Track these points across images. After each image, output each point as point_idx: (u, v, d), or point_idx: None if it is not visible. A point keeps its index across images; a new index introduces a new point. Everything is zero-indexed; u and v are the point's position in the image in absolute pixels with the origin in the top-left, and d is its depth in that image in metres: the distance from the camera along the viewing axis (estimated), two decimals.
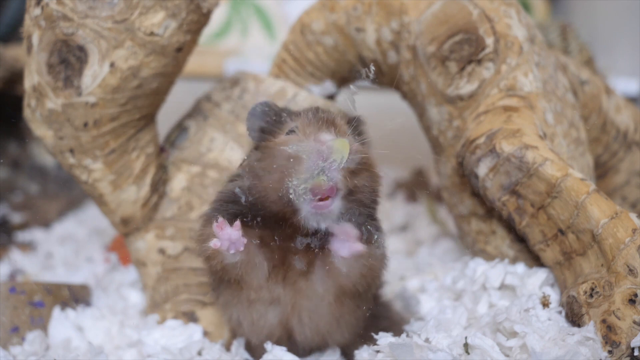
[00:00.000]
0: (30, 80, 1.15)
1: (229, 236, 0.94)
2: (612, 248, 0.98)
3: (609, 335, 0.94)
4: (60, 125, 1.13)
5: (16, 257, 1.58)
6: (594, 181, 1.27)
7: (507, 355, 0.97)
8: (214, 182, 1.21)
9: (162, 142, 1.26)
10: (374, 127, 1.10)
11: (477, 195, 1.17)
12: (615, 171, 1.40)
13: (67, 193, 1.98)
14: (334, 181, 0.92)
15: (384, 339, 0.98)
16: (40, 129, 1.16)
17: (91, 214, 1.85)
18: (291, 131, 0.98)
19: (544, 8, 2.41)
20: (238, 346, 1.11)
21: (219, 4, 1.15)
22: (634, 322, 0.93)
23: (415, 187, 1.99)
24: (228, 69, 1.94)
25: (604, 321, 0.95)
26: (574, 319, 1.00)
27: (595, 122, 1.35)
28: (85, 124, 1.12)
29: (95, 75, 1.10)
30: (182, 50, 1.14)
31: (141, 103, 1.15)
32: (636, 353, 0.92)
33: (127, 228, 1.23)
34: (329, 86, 1.32)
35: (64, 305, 1.21)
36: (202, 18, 1.14)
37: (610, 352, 0.93)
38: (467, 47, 1.16)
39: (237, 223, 0.94)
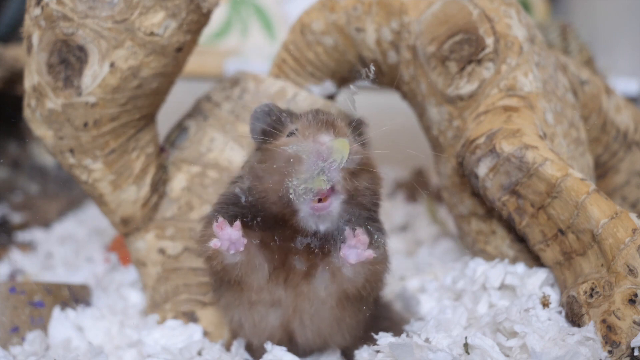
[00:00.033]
0: (30, 80, 1.15)
1: (229, 236, 0.94)
2: (612, 248, 0.98)
3: (609, 335, 0.94)
4: (60, 125, 1.13)
5: (16, 257, 1.58)
6: (594, 181, 1.27)
7: (507, 355, 0.97)
8: (214, 182, 1.21)
9: (162, 142, 1.26)
10: (374, 127, 1.10)
11: (477, 195, 1.17)
12: (615, 171, 1.40)
13: (67, 193, 1.98)
14: (333, 181, 0.92)
15: (384, 339, 0.98)
16: (40, 129, 1.16)
17: (91, 214, 1.85)
18: (291, 133, 0.98)
19: (544, 8, 2.41)
20: (238, 346, 1.11)
21: (219, 4, 1.15)
22: (634, 322, 0.93)
23: (416, 184, 1.99)
24: (228, 69, 1.94)
25: (604, 321, 0.95)
26: (574, 319, 1.00)
27: (595, 122, 1.35)
28: (85, 124, 1.12)
29: (95, 75, 1.10)
30: (182, 50, 1.14)
31: (141, 103, 1.15)
32: (636, 353, 0.92)
33: (127, 228, 1.23)
34: (329, 86, 1.32)
35: (64, 305, 1.21)
36: (202, 18, 1.14)
37: (610, 352, 0.93)
38: (467, 47, 1.16)
39: (237, 223, 0.94)
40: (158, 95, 1.18)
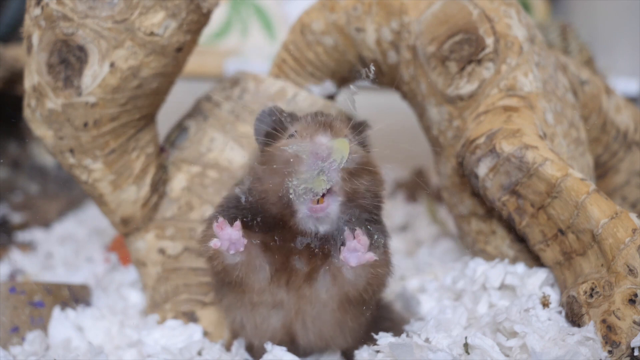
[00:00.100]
0: (30, 80, 1.15)
1: (229, 236, 0.94)
2: (612, 248, 0.98)
3: (609, 335, 0.94)
4: (60, 125, 1.13)
5: (16, 257, 1.58)
6: (594, 181, 1.27)
7: (507, 355, 0.97)
8: (214, 182, 1.21)
9: (162, 142, 1.26)
10: (374, 127, 1.10)
11: (477, 195, 1.17)
12: (615, 171, 1.40)
13: (67, 193, 1.98)
14: (333, 181, 0.92)
15: (384, 339, 0.98)
16: (40, 129, 1.16)
17: (91, 214, 1.85)
18: (291, 135, 0.98)
19: (544, 8, 2.41)
20: (238, 346, 1.11)
21: (219, 4, 1.15)
22: (634, 322, 0.93)
23: (417, 182, 1.99)
24: (228, 69, 1.94)
25: (604, 321, 0.95)
26: (574, 319, 1.00)
27: (595, 122, 1.35)
28: (85, 124, 1.12)
29: (95, 75, 1.10)
30: (182, 50, 1.14)
31: (141, 103, 1.15)
32: (636, 353, 0.92)
33: (127, 228, 1.23)
34: (329, 86, 1.32)
35: (64, 305, 1.21)
36: (202, 18, 1.14)
37: (610, 352, 0.93)
38: (467, 47, 1.16)
39: (237, 223, 0.94)
40: (158, 95, 1.18)
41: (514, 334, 0.99)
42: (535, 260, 1.13)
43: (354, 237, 0.93)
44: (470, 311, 1.09)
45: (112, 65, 1.10)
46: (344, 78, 1.33)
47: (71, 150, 1.15)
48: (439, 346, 0.96)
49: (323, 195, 0.94)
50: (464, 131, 1.16)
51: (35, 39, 1.12)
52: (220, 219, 0.94)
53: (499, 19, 1.16)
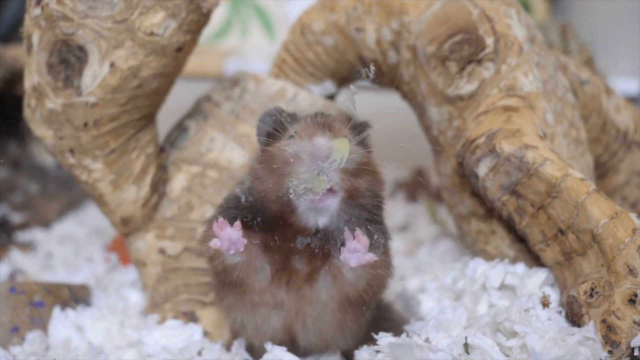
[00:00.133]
0: (30, 80, 1.15)
1: (229, 236, 0.94)
2: (612, 248, 0.98)
3: (609, 335, 0.94)
4: (60, 125, 1.13)
5: (16, 257, 1.58)
6: (594, 181, 1.27)
7: (507, 355, 0.97)
8: (214, 182, 1.21)
9: (162, 142, 1.26)
10: (374, 127, 1.10)
11: (477, 195, 1.17)
12: (615, 171, 1.40)
13: (67, 193, 1.98)
14: (333, 181, 0.93)
15: (384, 339, 0.99)
16: (40, 129, 1.16)
17: (91, 214, 1.85)
18: (291, 136, 0.99)
19: (544, 8, 2.41)
20: (238, 346, 1.11)
21: (219, 4, 1.15)
22: (634, 322, 0.93)
23: (417, 182, 1.99)
24: (228, 69, 1.94)
25: (604, 321, 0.95)
26: (574, 319, 1.00)
27: (595, 122, 1.35)
28: (85, 124, 1.12)
29: (95, 75, 1.10)
30: (182, 50, 1.14)
31: (141, 103, 1.15)
32: (636, 353, 0.92)
33: (127, 228, 1.23)
34: (329, 86, 1.32)
35: (64, 305, 1.21)
36: (202, 18, 1.14)
37: (610, 352, 0.93)
38: (467, 47, 1.16)
39: (237, 223, 0.94)
40: (158, 95, 1.18)
41: (514, 334, 0.99)
42: (535, 260, 1.13)
43: (354, 238, 0.93)
44: (470, 311, 1.09)
45: (112, 65, 1.10)
46: (344, 78, 1.33)
47: (71, 150, 1.15)
48: (439, 346, 0.96)
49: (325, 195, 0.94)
50: (464, 131, 1.16)
51: (35, 39, 1.12)
52: (220, 219, 0.94)
53: (499, 19, 1.16)
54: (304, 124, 0.98)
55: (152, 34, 1.09)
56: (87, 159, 1.15)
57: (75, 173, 1.18)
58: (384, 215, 1.03)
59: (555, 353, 0.90)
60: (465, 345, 0.96)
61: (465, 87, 1.16)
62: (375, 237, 0.96)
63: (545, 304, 1.04)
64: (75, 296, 1.25)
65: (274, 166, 0.95)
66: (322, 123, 0.97)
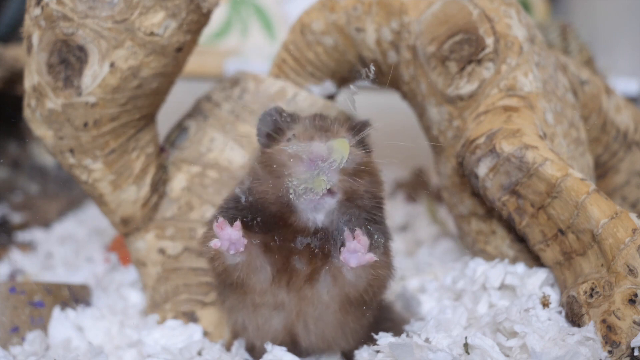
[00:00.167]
0: (30, 80, 1.15)
1: (229, 236, 0.94)
2: (612, 248, 0.98)
3: (609, 335, 0.94)
4: (60, 125, 1.13)
5: (16, 257, 1.58)
6: (594, 181, 1.27)
7: (507, 355, 0.97)
8: (214, 182, 1.21)
9: (162, 142, 1.26)
10: (374, 127, 1.10)
11: (477, 195, 1.17)
12: (615, 171, 1.40)
13: (67, 193, 1.98)
14: (333, 182, 0.93)
15: (384, 339, 0.98)
16: (40, 129, 1.16)
17: (91, 214, 1.85)
18: (289, 138, 0.99)
19: (544, 8, 2.41)
20: (238, 346, 1.11)
21: (219, 4, 1.15)
22: (634, 322, 0.93)
23: (417, 182, 1.99)
24: (228, 69, 1.94)
25: (604, 321, 0.95)
26: (574, 319, 1.00)
27: (595, 122, 1.35)
28: (85, 124, 1.12)
29: (95, 75, 1.10)
30: (182, 50, 1.14)
31: (141, 103, 1.15)
32: (636, 353, 0.92)
33: (127, 228, 1.23)
34: (329, 86, 1.32)
35: (64, 305, 1.21)
36: (202, 18, 1.14)
37: (610, 352, 0.93)
38: (467, 47, 1.16)
39: (237, 223, 0.94)
40: (158, 95, 1.18)
41: (514, 334, 0.99)
42: (535, 260, 1.13)
43: (354, 238, 0.93)
44: (470, 311, 1.09)
45: (112, 65, 1.10)
46: (344, 78, 1.33)
47: (71, 150, 1.15)
48: (439, 346, 0.96)
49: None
50: (464, 131, 1.16)
51: (35, 39, 1.12)
52: (220, 219, 0.94)
53: (499, 19, 1.16)
54: (303, 127, 0.98)
55: (152, 34, 1.09)
56: (87, 159, 1.15)
57: (75, 173, 1.18)
58: (384, 215, 1.02)
59: (555, 353, 0.90)
60: (465, 345, 0.96)
61: (465, 87, 1.16)
62: (375, 237, 0.96)
63: (545, 304, 1.04)
64: (75, 296, 1.25)
65: (274, 167, 0.95)
66: (321, 125, 0.97)
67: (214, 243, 0.94)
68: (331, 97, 1.34)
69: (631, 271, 0.96)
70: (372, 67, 0.99)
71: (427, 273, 1.35)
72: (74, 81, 1.10)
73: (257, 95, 1.24)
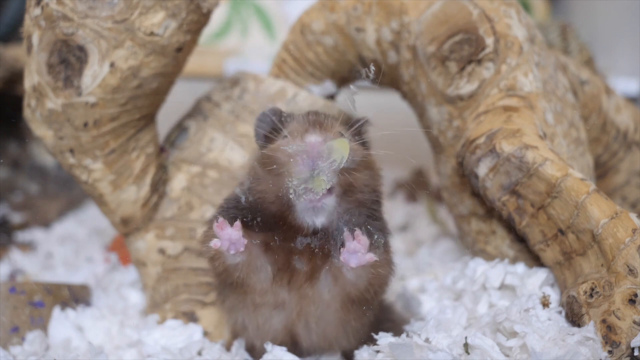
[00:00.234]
0: (30, 80, 1.15)
1: (229, 236, 0.94)
2: (612, 248, 0.98)
3: (609, 335, 0.94)
4: (60, 125, 1.13)
5: (16, 257, 1.58)
6: (594, 181, 1.27)
7: (507, 355, 0.97)
8: (214, 182, 1.21)
9: (162, 142, 1.26)
10: (374, 128, 1.10)
11: (477, 195, 1.17)
12: (615, 171, 1.40)
13: (67, 193, 1.98)
14: (333, 181, 0.93)
15: (384, 339, 0.98)
16: (40, 129, 1.16)
17: (91, 214, 1.85)
18: (285, 136, 0.99)
19: (544, 8, 2.41)
20: (238, 346, 1.11)
21: (219, 4, 1.15)
22: (634, 322, 0.93)
23: (417, 182, 1.99)
24: (228, 69, 1.94)
25: (604, 321, 0.95)
26: (574, 319, 1.00)
27: (595, 122, 1.35)
28: (85, 124, 1.12)
29: (95, 75, 1.10)
30: (182, 50, 1.14)
31: (141, 103, 1.15)
32: (636, 353, 0.92)
33: (127, 228, 1.23)
34: (329, 86, 1.32)
35: (64, 305, 1.21)
36: (202, 18, 1.14)
37: (610, 352, 0.93)
38: (467, 47, 1.16)
39: (237, 223, 0.94)
40: (158, 95, 1.18)
41: (514, 334, 0.99)
42: (535, 260, 1.13)
43: (354, 238, 0.93)
44: (470, 311, 1.09)
45: (112, 65, 1.10)
46: (344, 78, 1.33)
47: (71, 150, 1.15)
48: (439, 346, 0.96)
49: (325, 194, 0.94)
50: (464, 131, 1.16)
51: (35, 39, 1.12)
52: (220, 219, 0.94)
53: (499, 19, 1.16)
54: (296, 123, 0.98)
55: (152, 34, 1.09)
56: (87, 159, 1.15)
57: (75, 173, 1.18)
58: (383, 210, 1.02)
59: (555, 353, 0.90)
60: (465, 345, 0.96)
61: (465, 87, 1.16)
62: (375, 236, 0.96)
63: (545, 304, 1.04)
64: (75, 296, 1.25)
65: (274, 167, 0.95)
66: (314, 121, 0.97)
67: (214, 243, 0.94)
68: (331, 97, 1.34)
69: (631, 271, 0.96)
70: (372, 67, 0.99)
71: (427, 273, 1.35)
72: (74, 81, 1.10)
73: (257, 95, 1.24)
